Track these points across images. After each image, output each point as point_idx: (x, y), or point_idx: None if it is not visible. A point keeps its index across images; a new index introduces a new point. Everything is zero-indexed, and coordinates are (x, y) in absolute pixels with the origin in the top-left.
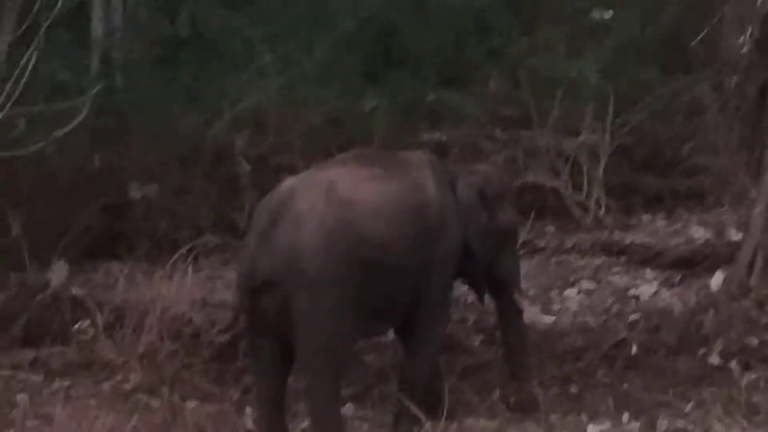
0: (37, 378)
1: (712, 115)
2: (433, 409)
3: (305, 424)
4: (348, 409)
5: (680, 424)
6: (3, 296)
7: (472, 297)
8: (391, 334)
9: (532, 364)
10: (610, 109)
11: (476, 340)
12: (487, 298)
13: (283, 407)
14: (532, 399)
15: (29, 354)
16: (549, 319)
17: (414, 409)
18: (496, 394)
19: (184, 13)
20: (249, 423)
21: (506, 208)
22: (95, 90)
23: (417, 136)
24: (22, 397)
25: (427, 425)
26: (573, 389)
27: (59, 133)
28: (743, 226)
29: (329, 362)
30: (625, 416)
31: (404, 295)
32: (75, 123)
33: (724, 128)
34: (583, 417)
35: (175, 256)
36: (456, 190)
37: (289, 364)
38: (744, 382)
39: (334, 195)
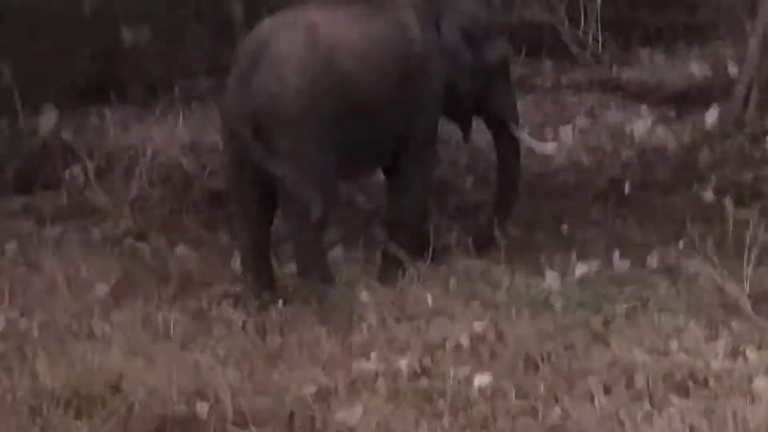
0: (27, 225)
1: None
2: (421, 250)
3: (292, 267)
4: (337, 251)
5: (671, 260)
6: None
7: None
8: (380, 177)
9: (514, 205)
10: None
11: (468, 182)
12: (474, 138)
13: (268, 251)
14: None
15: (20, 201)
16: (551, 149)
17: (399, 251)
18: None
19: None
20: (237, 267)
21: (493, 44)
22: None
23: None
24: (11, 245)
25: (415, 266)
26: (565, 228)
27: None
28: (741, 61)
29: (316, 207)
30: (616, 255)
31: (389, 136)
32: None
33: None
34: (573, 256)
35: (166, 101)
36: (441, 29)
37: (274, 208)
38: (735, 217)
39: (314, 36)
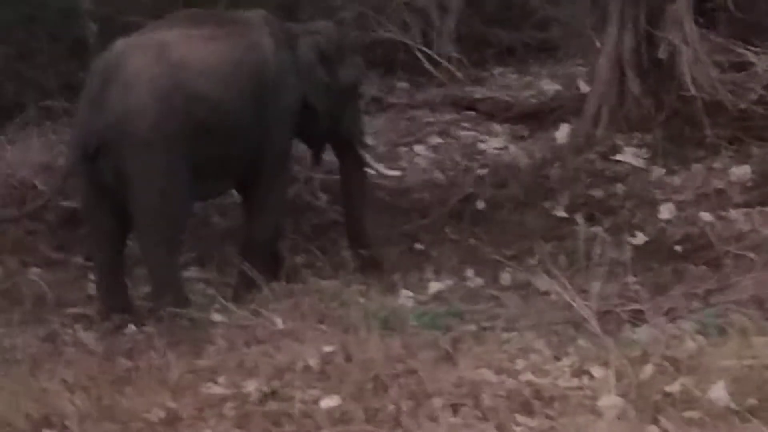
0: None
1: None
2: (274, 269)
3: (147, 288)
4: (192, 271)
5: (523, 277)
6: None
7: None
8: (237, 196)
9: (370, 225)
10: None
11: (323, 200)
12: (329, 156)
13: (122, 272)
14: (376, 259)
15: None
16: (396, 173)
17: (253, 272)
18: (343, 253)
19: None
20: (91, 289)
21: (347, 65)
22: None
23: None
24: None
25: (269, 287)
26: (419, 246)
27: None
28: (592, 78)
29: (165, 225)
30: (470, 272)
31: (241, 155)
32: None
33: None
34: (428, 273)
35: (17, 120)
36: (295, 49)
37: (128, 229)
38: (586, 234)
39: (165, 56)
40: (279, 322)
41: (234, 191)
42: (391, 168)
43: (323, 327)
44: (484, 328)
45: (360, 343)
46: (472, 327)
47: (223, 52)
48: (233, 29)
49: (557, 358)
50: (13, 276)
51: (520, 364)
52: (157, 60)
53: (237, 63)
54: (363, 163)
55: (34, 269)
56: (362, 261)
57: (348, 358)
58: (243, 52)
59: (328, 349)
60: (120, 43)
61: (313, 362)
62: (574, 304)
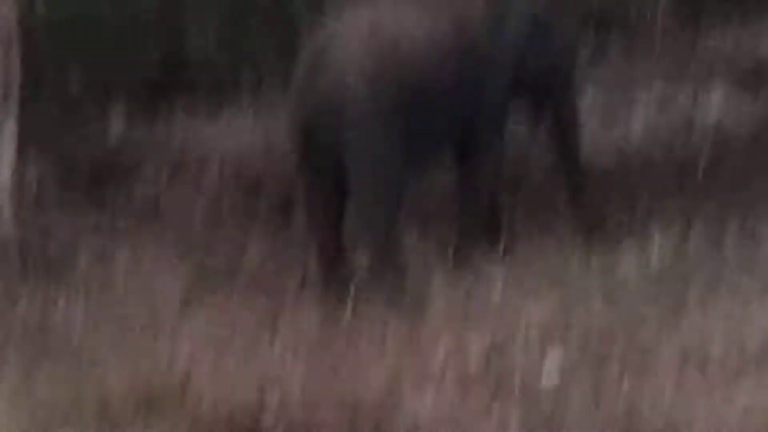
0: (102, 223)
1: None
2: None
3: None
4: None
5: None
6: (65, 147)
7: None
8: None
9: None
10: None
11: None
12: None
13: (343, 242)
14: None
15: (92, 212)
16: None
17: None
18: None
19: None
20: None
21: (560, 29)
22: None
23: None
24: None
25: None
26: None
27: None
28: None
29: (384, 198)
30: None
31: (456, 125)
32: None
33: None
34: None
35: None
36: (508, 15)
37: (344, 206)
38: None
39: (379, 30)
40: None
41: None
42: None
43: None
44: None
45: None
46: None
47: (435, 22)
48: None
49: None
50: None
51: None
52: (370, 30)
53: (449, 34)
54: (579, 119)
55: (254, 241)
56: (584, 222)
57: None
58: (455, 23)
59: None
60: (330, 23)
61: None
62: None
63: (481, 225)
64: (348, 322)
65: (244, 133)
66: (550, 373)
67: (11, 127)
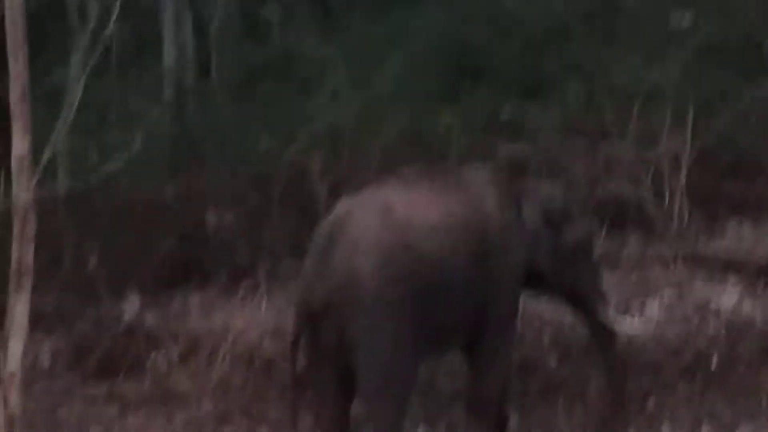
0: (111, 411)
1: None
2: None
3: None
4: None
5: None
6: (78, 329)
7: (548, 315)
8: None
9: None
10: (690, 115)
11: (552, 360)
12: (558, 314)
13: None
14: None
15: (104, 387)
16: (636, 324)
17: None
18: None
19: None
20: None
21: (574, 224)
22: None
23: (495, 151)
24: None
25: None
26: (651, 404)
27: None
28: None
29: (391, 389)
30: (705, 429)
31: (466, 315)
32: (135, 150)
33: None
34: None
35: (249, 283)
36: (520, 209)
37: (351, 392)
38: None
39: (390, 216)
40: None
41: (460, 352)
42: (633, 323)
43: None
44: None
45: None
46: None
47: (448, 210)
48: (458, 186)
49: None
50: None
51: None
52: (382, 220)
53: (461, 222)
54: (604, 323)
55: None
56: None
57: None
58: (467, 210)
59: None
60: (344, 203)
61: None
62: None
63: (490, 422)
64: None
65: (257, 315)
66: None
67: (23, 306)
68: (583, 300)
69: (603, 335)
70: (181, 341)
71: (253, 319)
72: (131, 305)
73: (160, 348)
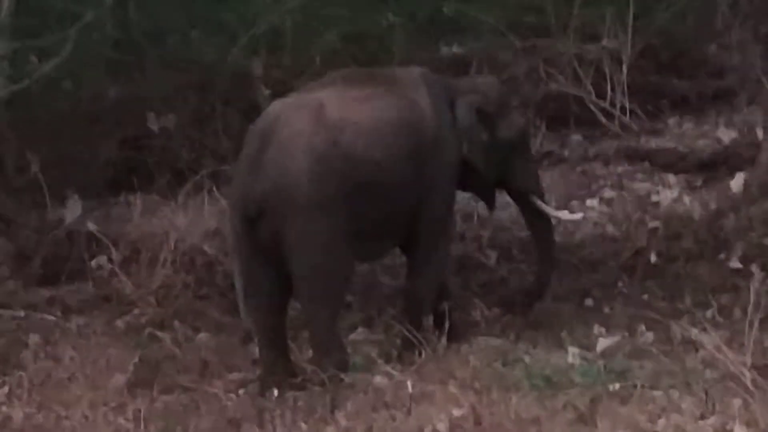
0: (52, 317)
1: (724, 12)
2: (440, 329)
3: (309, 353)
4: (359, 333)
5: (696, 332)
6: (20, 235)
7: (485, 212)
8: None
9: (549, 279)
10: (631, 12)
11: (492, 257)
12: (498, 213)
13: (284, 336)
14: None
15: (45, 292)
16: (577, 216)
17: (414, 332)
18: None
19: None
20: (256, 353)
21: (509, 120)
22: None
23: (435, 50)
24: (34, 337)
25: (433, 346)
26: (590, 301)
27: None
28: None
29: (326, 288)
30: (641, 327)
31: (402, 215)
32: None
33: (738, 25)
34: (597, 330)
35: (188, 186)
36: (453, 107)
37: (288, 292)
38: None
39: (322, 117)
40: (409, 385)
41: (399, 250)
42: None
43: (454, 390)
44: (634, 386)
45: (491, 405)
46: (616, 386)
47: (380, 111)
48: (390, 88)
49: (703, 417)
50: (182, 342)
51: (660, 424)
52: (313, 121)
53: (394, 122)
54: (543, 214)
55: (202, 334)
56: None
57: (478, 422)
58: (400, 110)
59: (458, 413)
60: (276, 105)
61: (442, 427)
62: (726, 359)
63: (425, 320)
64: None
65: (200, 217)
66: None
67: None
68: (521, 193)
69: (540, 224)
70: (122, 245)
71: (195, 222)
72: (73, 210)
73: (102, 252)
